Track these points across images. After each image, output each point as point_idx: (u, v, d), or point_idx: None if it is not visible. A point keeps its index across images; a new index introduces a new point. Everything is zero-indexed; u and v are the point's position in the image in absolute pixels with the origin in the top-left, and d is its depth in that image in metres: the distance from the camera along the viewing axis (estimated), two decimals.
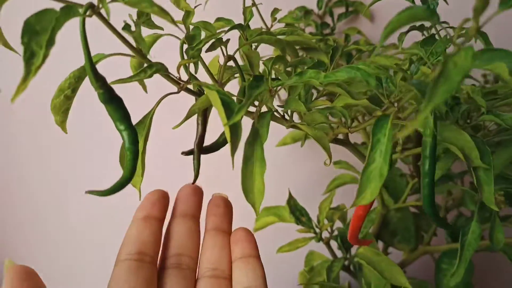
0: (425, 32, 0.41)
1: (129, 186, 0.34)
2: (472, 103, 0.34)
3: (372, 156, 0.26)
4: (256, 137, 0.32)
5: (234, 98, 0.33)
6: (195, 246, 0.36)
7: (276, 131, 0.71)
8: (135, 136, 0.29)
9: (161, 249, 0.35)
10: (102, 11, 0.26)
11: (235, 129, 0.29)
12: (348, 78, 0.29)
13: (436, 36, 0.37)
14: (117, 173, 0.32)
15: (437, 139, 0.29)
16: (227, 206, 0.39)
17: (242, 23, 0.45)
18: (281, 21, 0.50)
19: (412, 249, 0.59)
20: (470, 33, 0.20)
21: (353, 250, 0.56)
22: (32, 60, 0.21)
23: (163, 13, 0.25)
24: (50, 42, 0.22)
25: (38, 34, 0.22)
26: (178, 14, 0.36)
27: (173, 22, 0.25)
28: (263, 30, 0.51)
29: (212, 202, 0.39)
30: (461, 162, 0.57)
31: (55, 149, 0.77)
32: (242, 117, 0.28)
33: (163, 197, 0.36)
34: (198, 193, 0.38)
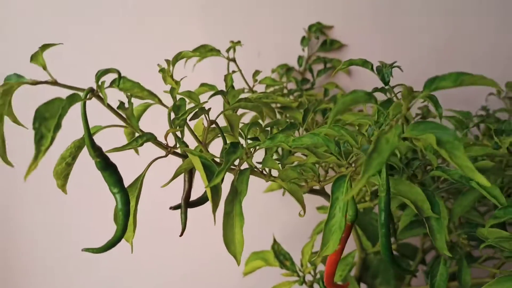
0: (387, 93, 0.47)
1: None
2: (424, 160, 0.39)
3: (332, 212, 0.30)
4: (235, 195, 0.36)
5: (217, 159, 0.38)
6: None
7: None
8: (126, 198, 0.33)
9: None
10: (100, 94, 0.31)
11: (215, 190, 0.33)
12: (312, 143, 0.33)
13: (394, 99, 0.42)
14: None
15: (390, 194, 0.33)
16: None
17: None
18: (261, 83, 0.56)
19: None
20: (402, 114, 0.25)
21: None
22: (42, 141, 0.26)
23: (152, 96, 0.30)
24: (57, 127, 0.26)
25: (46, 120, 0.26)
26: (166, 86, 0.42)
27: (160, 102, 0.30)
28: (245, 90, 0.56)
29: None
30: None
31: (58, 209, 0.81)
32: (222, 179, 0.33)
33: None
34: None
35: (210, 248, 0.80)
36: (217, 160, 0.38)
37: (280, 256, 0.59)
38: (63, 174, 0.35)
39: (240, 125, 0.45)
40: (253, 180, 0.66)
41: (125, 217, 0.33)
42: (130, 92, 0.29)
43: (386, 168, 0.32)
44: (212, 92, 0.44)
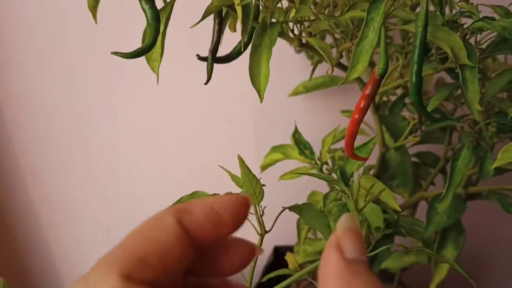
0: None
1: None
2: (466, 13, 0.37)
3: (365, 32, 0.29)
4: (265, 29, 0.35)
5: None
6: None
7: (290, 81, 0.75)
8: (157, 14, 0.33)
9: None
10: None
11: (246, 11, 0.32)
12: None
13: None
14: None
15: (427, 30, 0.32)
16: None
17: None
18: None
19: (409, 194, 0.62)
20: None
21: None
22: None
23: None
24: None
25: None
26: None
27: None
28: None
29: None
30: (463, 109, 0.60)
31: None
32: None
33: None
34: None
35: (230, 142, 0.81)
36: None
37: (300, 145, 0.59)
38: None
39: None
40: (277, 82, 0.65)
41: (155, 31, 0.33)
42: None
43: (427, 2, 0.31)
44: None
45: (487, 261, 0.90)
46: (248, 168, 0.38)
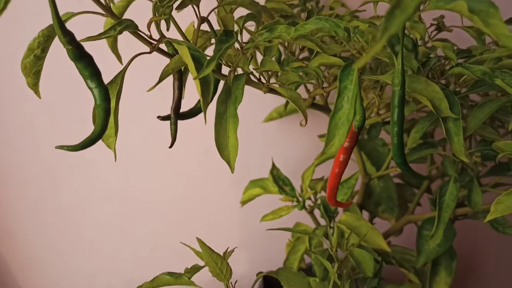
0: None
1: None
2: (443, 58, 0.34)
3: (339, 102, 0.26)
4: (229, 95, 0.32)
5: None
6: None
7: (263, 107, 0.72)
8: (106, 93, 0.29)
9: None
10: None
11: (206, 84, 0.29)
12: (317, 29, 0.29)
13: None
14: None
15: (405, 88, 0.29)
16: None
17: None
18: None
19: (396, 218, 0.60)
20: None
21: (337, 219, 0.57)
22: None
23: None
24: None
25: None
26: None
27: None
28: None
29: None
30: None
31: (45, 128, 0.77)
32: (212, 71, 0.29)
33: None
34: None
35: (209, 175, 0.77)
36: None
37: (279, 181, 0.56)
38: (32, 70, 0.31)
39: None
40: (251, 110, 0.62)
41: (104, 113, 0.29)
42: None
43: (402, 58, 0.28)
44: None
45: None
46: (209, 248, 0.35)
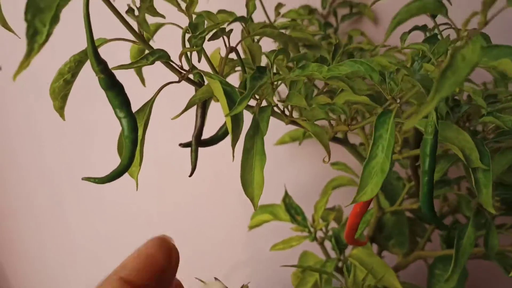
0: (427, 33, 0.41)
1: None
2: (472, 105, 0.34)
3: (374, 151, 0.26)
4: (257, 130, 0.31)
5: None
6: None
7: (274, 129, 0.71)
8: (134, 123, 0.29)
9: None
10: None
11: (236, 120, 0.29)
12: (351, 73, 0.29)
13: (439, 37, 0.37)
14: (116, 162, 0.32)
15: (437, 137, 0.28)
16: None
17: (245, 15, 0.45)
18: (285, 16, 0.50)
19: (406, 254, 0.59)
20: (479, 26, 0.20)
21: (347, 251, 0.56)
22: (35, 37, 0.21)
23: None
24: (55, 20, 0.21)
25: (42, 11, 0.21)
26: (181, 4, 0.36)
27: (179, 7, 0.25)
28: (266, 24, 0.51)
29: None
30: (458, 167, 0.57)
31: (52, 138, 0.77)
32: (243, 109, 0.28)
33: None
34: None
35: (217, 197, 0.77)
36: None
37: (291, 210, 0.55)
38: (60, 94, 0.31)
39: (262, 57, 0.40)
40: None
41: (132, 145, 0.28)
42: None
43: (436, 108, 0.28)
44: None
45: None
46: None
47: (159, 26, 0.36)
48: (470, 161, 0.30)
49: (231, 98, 0.28)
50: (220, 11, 0.43)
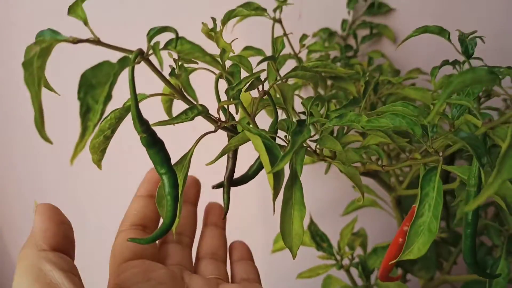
0: (457, 67, 0.41)
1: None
2: None
3: (420, 210, 0.26)
4: (295, 181, 0.31)
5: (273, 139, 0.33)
6: (193, 229, 0.42)
7: None
8: (175, 179, 0.29)
9: None
10: (150, 57, 0.26)
11: (277, 176, 0.29)
12: (393, 126, 0.28)
13: None
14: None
15: (481, 188, 0.28)
16: (222, 210, 0.45)
17: (265, 46, 0.45)
18: (309, 49, 0.50)
19: (431, 278, 0.59)
20: None
21: (373, 277, 0.56)
22: (88, 115, 0.21)
23: (215, 62, 0.24)
24: (108, 97, 0.21)
25: (94, 88, 0.21)
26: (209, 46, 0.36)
27: (223, 69, 0.25)
28: (291, 55, 0.51)
29: (210, 205, 0.46)
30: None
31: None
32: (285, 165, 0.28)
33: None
34: (197, 185, 0.45)
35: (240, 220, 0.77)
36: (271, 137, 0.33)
37: (317, 237, 0.55)
38: (100, 148, 0.31)
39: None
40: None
41: (174, 202, 0.28)
42: (190, 57, 0.24)
43: (477, 156, 0.28)
44: (259, 58, 0.39)
45: None
46: None
47: (191, 71, 0.36)
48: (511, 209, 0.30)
49: (272, 153, 0.28)
50: (247, 48, 0.43)
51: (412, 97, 0.44)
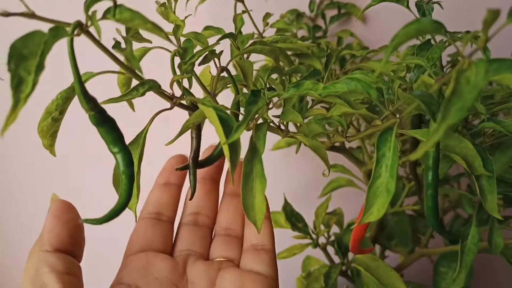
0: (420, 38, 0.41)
1: None
2: (471, 109, 0.33)
3: (377, 171, 0.25)
4: (255, 153, 0.31)
5: (228, 112, 0.32)
6: (213, 206, 0.41)
7: (270, 134, 0.71)
8: (129, 158, 0.28)
9: (183, 209, 0.40)
10: (91, 29, 0.25)
11: (234, 147, 0.28)
12: (348, 90, 0.28)
13: (432, 41, 0.36)
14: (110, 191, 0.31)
15: (439, 150, 0.28)
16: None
17: (233, 30, 0.44)
18: (273, 26, 0.49)
19: (409, 252, 0.59)
20: (479, 45, 0.20)
21: (350, 254, 0.56)
22: (21, 87, 0.20)
23: (157, 29, 0.24)
24: (40, 67, 0.20)
25: (26, 59, 0.20)
26: (167, 25, 0.35)
27: (167, 38, 0.24)
28: (255, 35, 0.50)
29: (228, 173, 0.42)
30: (457, 165, 0.57)
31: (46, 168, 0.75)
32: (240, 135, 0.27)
33: (183, 163, 0.39)
34: (221, 161, 0.42)
35: None
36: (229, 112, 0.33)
37: (292, 218, 0.55)
38: (49, 131, 0.30)
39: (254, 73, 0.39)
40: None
41: (129, 181, 0.28)
42: (130, 25, 0.23)
43: (432, 113, 0.27)
44: (218, 36, 0.38)
45: None
46: None
47: (146, 51, 0.35)
48: (473, 169, 0.30)
49: (227, 124, 0.28)
50: (207, 27, 0.42)
51: (377, 70, 0.43)
